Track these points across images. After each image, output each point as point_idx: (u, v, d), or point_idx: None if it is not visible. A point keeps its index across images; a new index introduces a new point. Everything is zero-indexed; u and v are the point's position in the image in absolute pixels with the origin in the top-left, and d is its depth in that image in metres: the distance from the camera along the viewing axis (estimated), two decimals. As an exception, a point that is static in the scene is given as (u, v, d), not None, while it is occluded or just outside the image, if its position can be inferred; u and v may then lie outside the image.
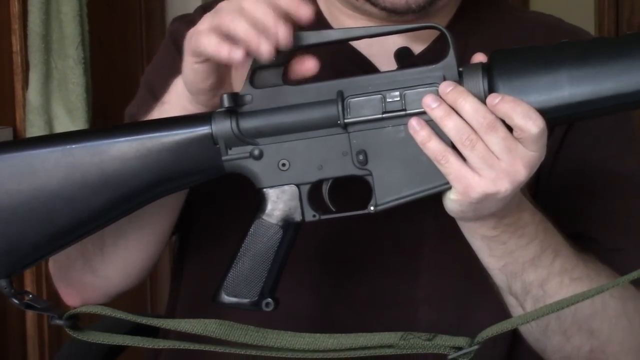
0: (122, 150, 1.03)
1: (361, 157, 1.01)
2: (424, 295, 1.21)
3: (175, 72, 1.24)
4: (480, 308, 1.20)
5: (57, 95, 2.46)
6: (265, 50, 0.97)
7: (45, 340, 2.49)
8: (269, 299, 1.04)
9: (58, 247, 1.06)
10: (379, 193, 1.01)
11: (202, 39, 1.00)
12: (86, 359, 1.46)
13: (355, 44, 1.23)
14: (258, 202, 1.04)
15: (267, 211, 1.04)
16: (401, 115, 1.00)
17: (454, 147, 0.98)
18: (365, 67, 1.22)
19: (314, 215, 1.04)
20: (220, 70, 1.04)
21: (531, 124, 0.96)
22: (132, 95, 1.33)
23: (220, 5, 1.02)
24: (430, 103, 0.98)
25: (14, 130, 2.46)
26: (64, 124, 2.43)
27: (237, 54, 0.98)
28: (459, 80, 0.99)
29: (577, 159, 1.23)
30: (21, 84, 2.46)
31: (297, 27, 1.00)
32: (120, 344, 1.08)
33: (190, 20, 1.29)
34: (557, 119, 0.99)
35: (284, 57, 1.02)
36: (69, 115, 2.45)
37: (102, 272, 1.20)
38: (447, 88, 0.98)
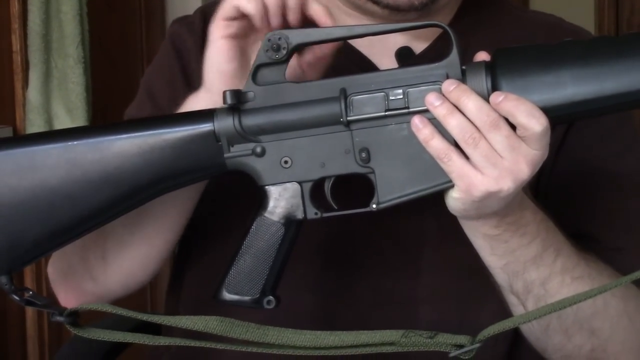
0: (123, 147, 1.03)
1: (364, 154, 1.01)
2: (424, 295, 1.21)
3: (174, 77, 1.24)
4: (481, 307, 1.19)
5: (57, 94, 2.46)
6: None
7: (45, 340, 2.49)
8: (271, 297, 1.04)
9: (59, 243, 1.06)
10: (382, 191, 1.01)
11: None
12: (86, 358, 1.46)
13: (356, 43, 1.23)
14: (260, 199, 1.04)
15: (269, 209, 1.04)
16: (404, 113, 1.00)
17: (456, 145, 0.98)
18: (366, 66, 1.22)
19: (316, 213, 1.03)
20: (244, 56, 1.07)
21: (535, 122, 0.96)
22: (132, 94, 1.33)
23: None
24: (433, 101, 0.98)
25: (14, 129, 2.47)
26: (64, 123, 2.43)
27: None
28: (462, 78, 0.99)
29: (578, 158, 1.23)
30: (21, 83, 2.46)
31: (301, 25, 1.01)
32: (121, 342, 1.08)
33: (190, 22, 1.30)
34: (559, 118, 0.99)
35: (286, 55, 1.02)
36: (69, 114, 2.45)
37: (102, 280, 1.20)
38: (450, 86, 0.98)
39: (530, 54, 1.00)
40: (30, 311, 2.45)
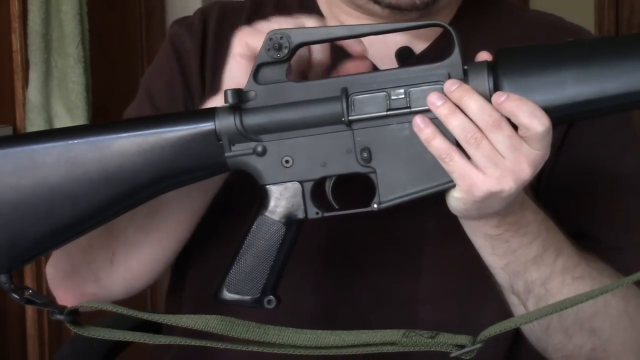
0: (124, 145, 1.03)
1: (365, 154, 1.01)
2: (425, 295, 1.21)
3: (173, 78, 1.24)
4: (482, 307, 1.19)
5: (57, 94, 2.46)
6: None
7: (46, 339, 2.49)
8: (271, 296, 1.04)
9: (59, 242, 1.06)
10: (383, 191, 1.01)
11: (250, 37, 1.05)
12: (86, 357, 1.45)
13: (356, 43, 1.22)
14: (260, 199, 1.04)
15: (269, 208, 1.03)
16: (406, 113, 0.99)
17: (458, 145, 0.98)
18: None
19: (317, 213, 1.03)
20: None
21: (537, 123, 0.96)
22: (131, 93, 1.33)
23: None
24: (435, 101, 0.98)
25: (14, 129, 2.46)
26: (64, 123, 2.43)
27: None
28: (464, 78, 0.99)
29: (578, 158, 1.23)
30: (21, 82, 2.46)
31: (301, 24, 1.01)
32: (121, 340, 1.07)
33: (189, 22, 1.30)
34: (561, 118, 0.99)
35: (287, 54, 1.01)
36: (69, 113, 2.45)
37: (106, 283, 1.20)
38: (452, 86, 0.98)
39: (532, 54, 1.00)
40: (30, 310, 2.45)
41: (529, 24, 1.29)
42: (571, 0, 3.80)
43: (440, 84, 0.99)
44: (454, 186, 0.99)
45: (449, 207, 1.02)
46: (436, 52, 1.19)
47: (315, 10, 1.28)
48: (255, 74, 1.02)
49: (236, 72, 1.07)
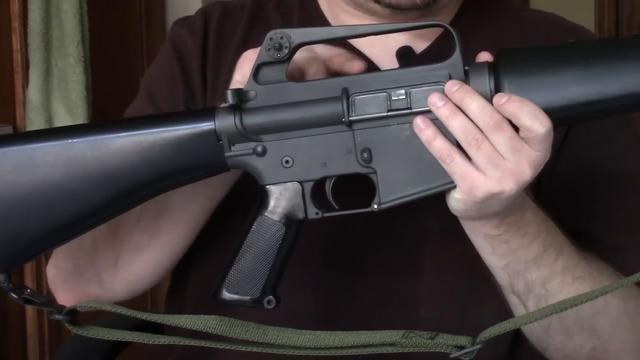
0: (123, 145, 1.02)
1: (365, 155, 1.01)
2: (426, 295, 1.21)
3: (174, 78, 1.24)
4: (483, 307, 1.19)
5: (57, 93, 2.45)
6: None
7: (46, 339, 2.49)
8: (271, 297, 1.04)
9: (58, 241, 1.06)
10: (383, 191, 1.01)
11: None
12: (86, 357, 1.45)
13: (357, 42, 1.22)
14: (260, 199, 1.04)
15: (269, 208, 1.03)
16: (406, 114, 0.99)
17: (459, 146, 0.98)
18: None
19: (317, 213, 1.03)
20: None
21: (538, 124, 0.96)
22: (132, 93, 1.33)
23: None
24: (436, 102, 0.98)
25: (14, 128, 2.46)
26: (64, 122, 2.43)
27: None
28: (465, 79, 0.99)
29: (579, 159, 1.23)
30: (21, 82, 2.46)
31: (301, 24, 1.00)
32: (120, 340, 1.07)
33: (190, 22, 1.29)
34: (562, 119, 0.99)
35: (287, 54, 1.01)
36: (69, 113, 2.45)
37: (109, 285, 1.20)
38: (453, 87, 0.98)
39: (533, 55, 0.99)
40: (30, 310, 2.45)
41: (529, 23, 1.29)
42: (571, 0, 3.80)
43: (441, 85, 0.98)
44: (454, 187, 0.99)
45: (449, 208, 1.02)
46: (437, 52, 1.19)
47: (315, 10, 1.28)
48: (256, 74, 1.02)
49: (243, 80, 1.06)
